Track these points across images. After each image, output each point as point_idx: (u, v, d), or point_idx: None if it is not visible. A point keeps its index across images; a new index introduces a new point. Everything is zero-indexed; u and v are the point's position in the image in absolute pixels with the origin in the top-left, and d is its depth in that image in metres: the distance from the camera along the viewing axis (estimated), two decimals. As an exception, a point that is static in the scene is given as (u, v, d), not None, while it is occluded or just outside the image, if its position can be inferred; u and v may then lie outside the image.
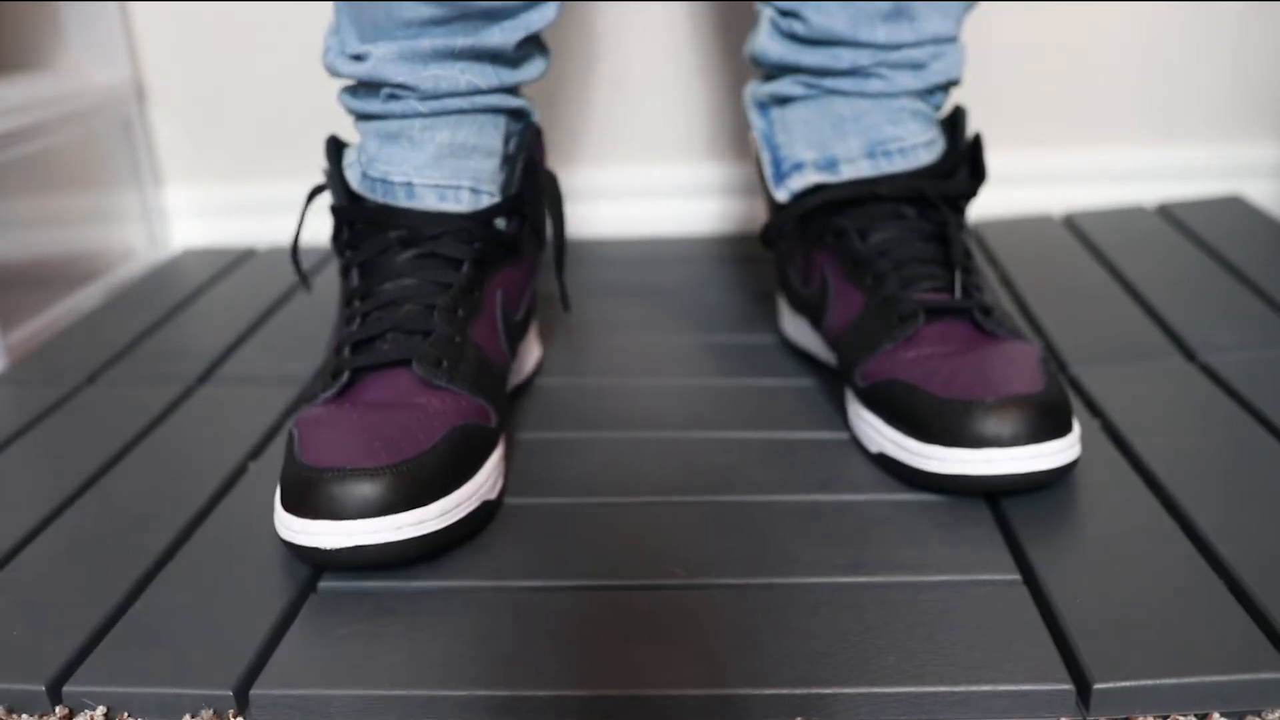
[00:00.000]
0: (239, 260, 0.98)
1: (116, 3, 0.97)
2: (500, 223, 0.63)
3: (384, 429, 0.52)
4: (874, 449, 0.59)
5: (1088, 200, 0.98)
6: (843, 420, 0.64)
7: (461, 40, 0.60)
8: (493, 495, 0.56)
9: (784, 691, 0.44)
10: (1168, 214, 0.93)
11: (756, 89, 0.70)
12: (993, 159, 0.69)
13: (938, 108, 0.67)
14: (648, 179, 1.01)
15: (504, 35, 0.61)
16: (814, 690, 0.44)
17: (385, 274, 0.60)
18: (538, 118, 0.67)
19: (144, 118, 1.02)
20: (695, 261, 0.93)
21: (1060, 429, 0.54)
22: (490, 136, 0.63)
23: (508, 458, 0.61)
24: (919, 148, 0.65)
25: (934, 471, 0.55)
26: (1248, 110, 0.98)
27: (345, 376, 0.56)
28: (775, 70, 0.68)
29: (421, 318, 0.58)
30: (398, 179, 0.61)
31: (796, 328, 0.73)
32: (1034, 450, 0.53)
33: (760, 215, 0.98)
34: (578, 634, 0.47)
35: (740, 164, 1.00)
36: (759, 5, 0.68)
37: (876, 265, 0.63)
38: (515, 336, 0.65)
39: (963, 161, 0.65)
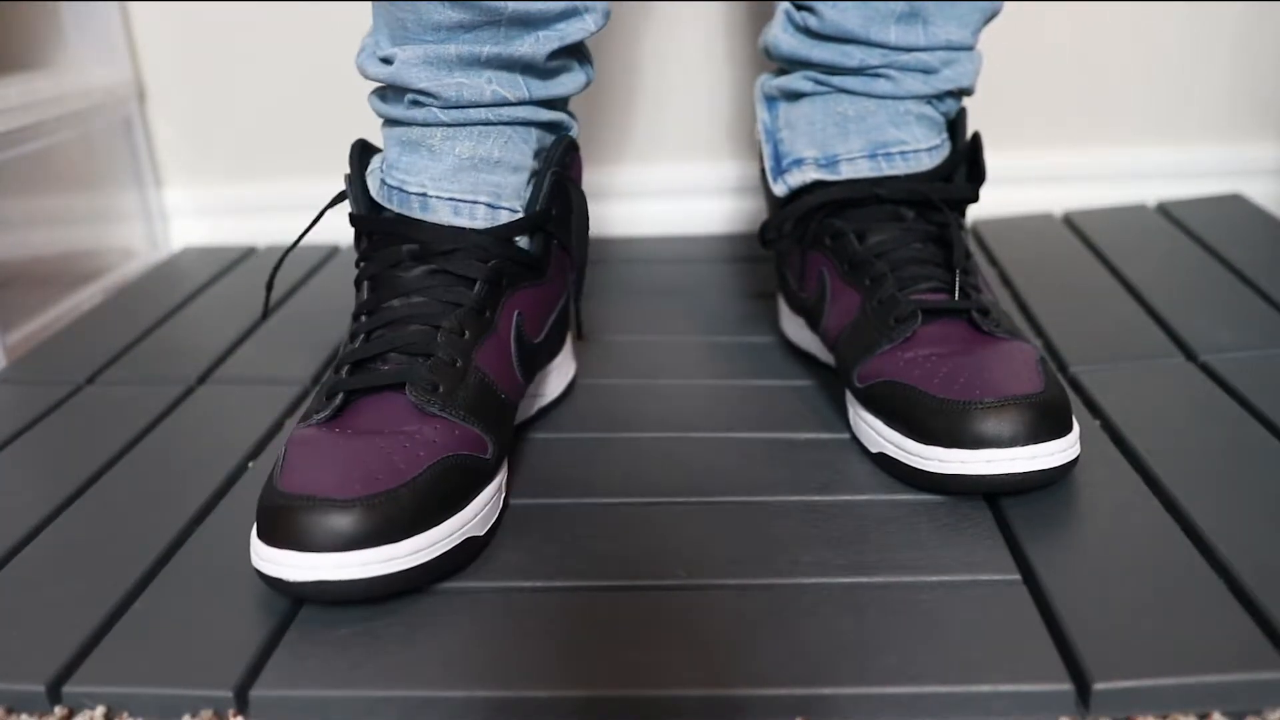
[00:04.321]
0: (239, 259, 0.98)
1: (116, 3, 0.97)
2: (522, 240, 0.60)
3: (365, 457, 0.50)
4: (874, 449, 0.59)
5: (1088, 200, 0.98)
6: (843, 421, 0.64)
7: (489, 48, 0.57)
8: (481, 531, 0.53)
9: (784, 691, 0.44)
10: (1168, 213, 0.93)
11: (767, 81, 0.70)
12: (993, 159, 0.69)
13: (946, 114, 0.66)
14: (651, 178, 1.01)
15: (536, 46, 0.58)
16: (814, 690, 0.44)
17: (394, 289, 0.58)
18: (576, 132, 0.64)
19: (144, 118, 1.02)
20: (696, 261, 0.93)
21: (1060, 429, 0.54)
22: (517, 150, 0.60)
23: (511, 459, 0.61)
24: (921, 153, 0.65)
25: (934, 472, 0.55)
26: (1248, 110, 0.98)
27: (339, 399, 0.54)
28: (786, 63, 0.68)
29: (424, 339, 0.56)
30: (414, 189, 0.58)
31: (796, 328, 0.73)
32: (1033, 450, 0.53)
33: (762, 214, 0.98)
34: (577, 634, 0.47)
35: (743, 163, 1.00)
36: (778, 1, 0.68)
37: (874, 267, 0.63)
38: (534, 360, 0.62)
39: (962, 161, 0.65)
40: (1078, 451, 0.55)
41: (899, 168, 0.65)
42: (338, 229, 1.02)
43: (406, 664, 0.46)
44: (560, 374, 0.69)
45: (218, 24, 0.99)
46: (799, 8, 0.66)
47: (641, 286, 0.88)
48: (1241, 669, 0.43)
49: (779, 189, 0.68)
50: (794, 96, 0.68)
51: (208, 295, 0.90)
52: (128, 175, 1.00)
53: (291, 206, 1.01)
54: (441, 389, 0.54)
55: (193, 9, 0.98)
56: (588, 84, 0.63)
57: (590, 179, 1.01)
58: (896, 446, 0.57)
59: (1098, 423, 0.62)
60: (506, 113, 0.59)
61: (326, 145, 1.02)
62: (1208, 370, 0.67)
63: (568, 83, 0.62)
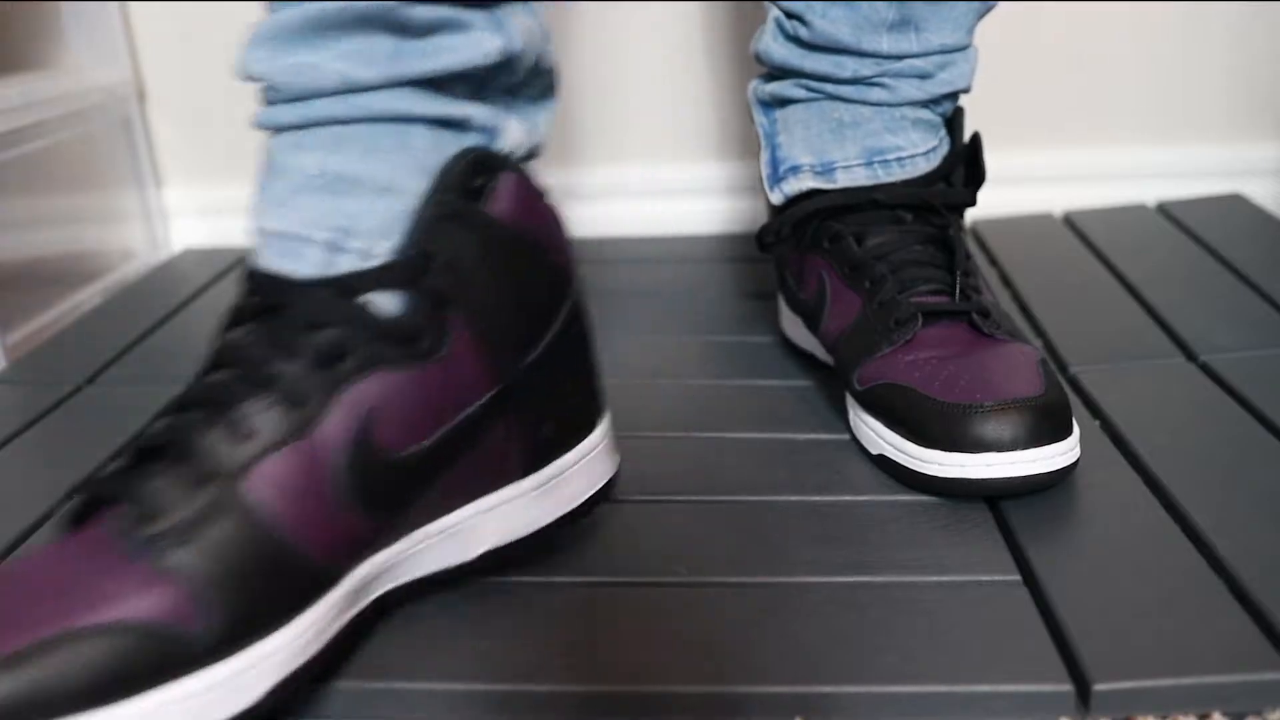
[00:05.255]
0: (239, 260, 0.97)
1: (116, 3, 0.97)
2: (383, 300, 0.42)
3: (35, 592, 0.37)
4: (874, 451, 0.59)
5: (1088, 200, 0.98)
6: (843, 421, 0.64)
7: None
8: None
9: (784, 691, 0.44)
10: (1168, 213, 0.93)
11: (760, 87, 0.70)
12: (993, 159, 0.69)
13: (944, 115, 0.66)
14: (650, 178, 1.01)
15: None
16: (814, 690, 0.44)
17: (213, 357, 0.43)
18: (514, 140, 0.45)
19: (144, 118, 1.02)
20: (696, 261, 0.93)
21: (1060, 432, 0.53)
22: (387, 162, 0.42)
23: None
24: (918, 158, 0.64)
25: (934, 476, 0.55)
26: (1248, 110, 0.98)
27: (74, 502, 0.40)
28: (778, 72, 0.68)
29: (185, 438, 0.40)
30: (252, 223, 0.44)
31: (797, 328, 0.73)
32: (1034, 454, 0.53)
33: (762, 214, 0.98)
34: (577, 631, 0.47)
35: (743, 163, 1.00)
36: (767, 4, 0.68)
37: (874, 269, 0.62)
38: (397, 488, 0.43)
39: (961, 161, 0.65)
40: (1078, 454, 0.55)
41: (896, 174, 0.64)
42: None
43: (403, 658, 0.46)
44: (584, 476, 0.51)
45: (218, 24, 0.99)
46: (789, 16, 0.66)
47: (640, 287, 0.88)
48: (1241, 669, 0.43)
49: (775, 197, 0.68)
50: (786, 103, 0.68)
51: (208, 296, 0.90)
52: (128, 175, 1.00)
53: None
54: (163, 522, 0.38)
55: (193, 9, 0.98)
56: (506, 50, 0.43)
57: (584, 179, 1.01)
58: (896, 449, 0.57)
59: (1098, 423, 0.62)
60: (363, 102, 0.42)
61: (326, 145, 1.02)
62: (1208, 370, 0.67)
63: (459, 47, 0.42)
